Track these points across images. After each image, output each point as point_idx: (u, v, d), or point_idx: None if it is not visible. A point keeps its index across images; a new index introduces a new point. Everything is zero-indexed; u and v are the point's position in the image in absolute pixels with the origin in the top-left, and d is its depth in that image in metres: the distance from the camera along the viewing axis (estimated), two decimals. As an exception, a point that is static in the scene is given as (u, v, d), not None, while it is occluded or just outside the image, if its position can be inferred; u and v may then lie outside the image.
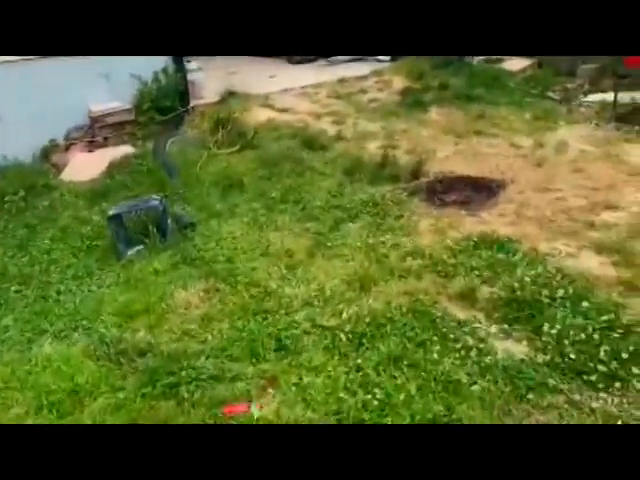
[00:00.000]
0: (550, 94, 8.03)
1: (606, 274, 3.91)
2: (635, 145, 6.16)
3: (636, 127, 6.54)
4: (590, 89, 7.97)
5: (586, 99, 7.73)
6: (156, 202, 5.14)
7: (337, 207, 5.40)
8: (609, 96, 7.48)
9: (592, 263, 4.07)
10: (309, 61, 10.85)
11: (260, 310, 3.97)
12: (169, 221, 5.26)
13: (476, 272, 4.08)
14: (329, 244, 4.81)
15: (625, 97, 7.15)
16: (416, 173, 5.90)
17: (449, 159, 6.28)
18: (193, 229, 5.30)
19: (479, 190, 5.51)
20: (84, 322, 4.14)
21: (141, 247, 5.09)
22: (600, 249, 4.21)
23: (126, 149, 7.46)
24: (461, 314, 3.75)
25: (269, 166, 6.37)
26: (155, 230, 5.07)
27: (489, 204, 5.18)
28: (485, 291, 3.90)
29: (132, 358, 3.61)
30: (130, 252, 5.08)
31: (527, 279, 3.85)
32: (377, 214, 5.18)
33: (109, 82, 7.57)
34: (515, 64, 9.10)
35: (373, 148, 6.70)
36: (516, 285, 3.82)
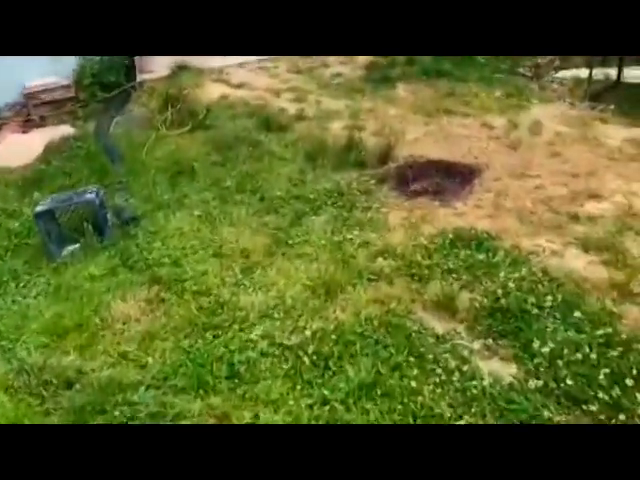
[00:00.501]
0: (521, 70, 7.55)
1: (596, 276, 3.49)
2: (611, 126, 5.75)
3: (611, 106, 6.14)
4: (561, 65, 7.53)
5: (558, 75, 7.29)
6: (91, 195, 4.45)
7: (298, 198, 4.83)
8: (581, 72, 7.06)
9: (579, 263, 3.64)
10: (267, 32, 10.05)
11: (210, 325, 3.40)
12: (108, 216, 4.59)
13: (454, 275, 3.60)
14: (290, 241, 4.25)
15: (598, 74, 6.73)
16: (384, 158, 5.35)
17: (419, 141, 5.75)
18: (136, 224, 4.64)
19: (452, 176, 5.01)
20: (3, 343, 3.49)
21: (76, 246, 4.42)
22: (587, 246, 3.78)
23: (65, 130, 6.65)
24: (439, 326, 3.27)
25: (223, 150, 5.71)
26: (91, 228, 4.40)
27: (464, 193, 4.69)
28: (465, 298, 3.42)
29: (57, 391, 3.00)
30: (64, 253, 4.41)
31: (511, 284, 3.40)
32: (343, 206, 4.63)
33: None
34: (483, 37, 8.55)
35: (337, 129, 6.09)
36: (499, 292, 3.36)
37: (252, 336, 3.27)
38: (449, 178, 5.01)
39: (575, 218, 4.12)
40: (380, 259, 3.87)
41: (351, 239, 4.17)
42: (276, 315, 3.46)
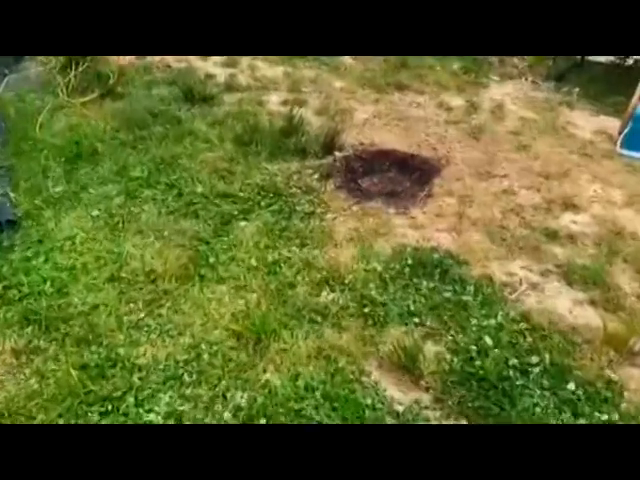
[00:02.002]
0: (478, 39, 6.66)
1: (587, 323, 2.77)
2: (578, 112, 5.03)
3: (576, 88, 5.41)
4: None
5: (517, 48, 6.47)
6: (-53, 195, 3.27)
7: (226, 196, 3.81)
8: (542, 46, 6.27)
9: (564, 302, 2.91)
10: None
11: (96, 397, 2.42)
12: (-24, 219, 3.44)
13: (416, 319, 2.79)
14: (212, 259, 3.28)
15: (561, 49, 5.96)
16: (330, 144, 4.38)
17: (368, 123, 4.81)
18: (15, 230, 3.51)
19: (408, 172, 4.14)
20: None
21: None
22: (570, 277, 3.05)
23: (-61, 89, 5.21)
24: (399, 397, 2.46)
25: (135, 127, 4.53)
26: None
27: (422, 196, 3.84)
28: (430, 354, 2.62)
29: None
30: None
31: (487, 339, 2.61)
32: (280, 210, 3.67)
33: None
34: None
35: (275, 104, 5.05)
36: (473, 348, 2.58)
37: (151, 416, 2.34)
38: (404, 174, 4.15)
39: (552, 236, 3.38)
40: (325, 291, 2.99)
41: (289, 258, 3.25)
42: (187, 378, 2.53)
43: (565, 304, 2.89)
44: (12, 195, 3.78)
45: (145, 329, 2.82)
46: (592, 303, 2.89)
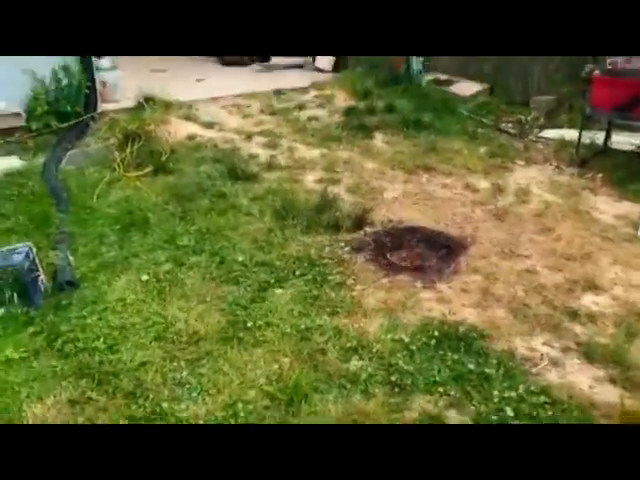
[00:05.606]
0: (504, 126, 7.14)
1: (605, 400, 2.89)
2: (601, 198, 5.31)
3: (599, 174, 5.72)
4: (545, 123, 7.15)
5: (542, 134, 6.89)
6: (19, 257, 3.67)
7: (264, 265, 4.16)
8: (566, 133, 6.68)
9: (584, 379, 3.07)
10: (243, 63, 9.51)
11: (141, 447, 2.69)
12: (40, 279, 3.84)
13: (440, 389, 2.98)
14: (249, 324, 3.56)
15: (584, 137, 6.33)
16: (360, 220, 4.75)
17: (397, 202, 5.19)
18: (73, 291, 3.89)
19: (435, 249, 4.44)
20: None
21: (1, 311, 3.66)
22: (590, 355, 3.21)
23: (11, 162, 5.85)
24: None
25: (184, 200, 5.03)
26: (16, 295, 3.64)
27: (448, 272, 4.10)
28: (454, 421, 2.79)
29: None
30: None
31: (508, 409, 2.79)
32: (313, 280, 3.98)
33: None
34: (465, 88, 8.16)
35: (310, 182, 5.51)
36: (494, 418, 2.74)
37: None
38: (431, 250, 4.43)
39: (573, 315, 3.56)
40: (354, 359, 3.22)
41: (320, 326, 3.52)
42: (225, 434, 2.76)
43: (585, 380, 3.04)
44: (71, 259, 4.21)
45: (187, 386, 3.08)
46: (612, 381, 3.03)
